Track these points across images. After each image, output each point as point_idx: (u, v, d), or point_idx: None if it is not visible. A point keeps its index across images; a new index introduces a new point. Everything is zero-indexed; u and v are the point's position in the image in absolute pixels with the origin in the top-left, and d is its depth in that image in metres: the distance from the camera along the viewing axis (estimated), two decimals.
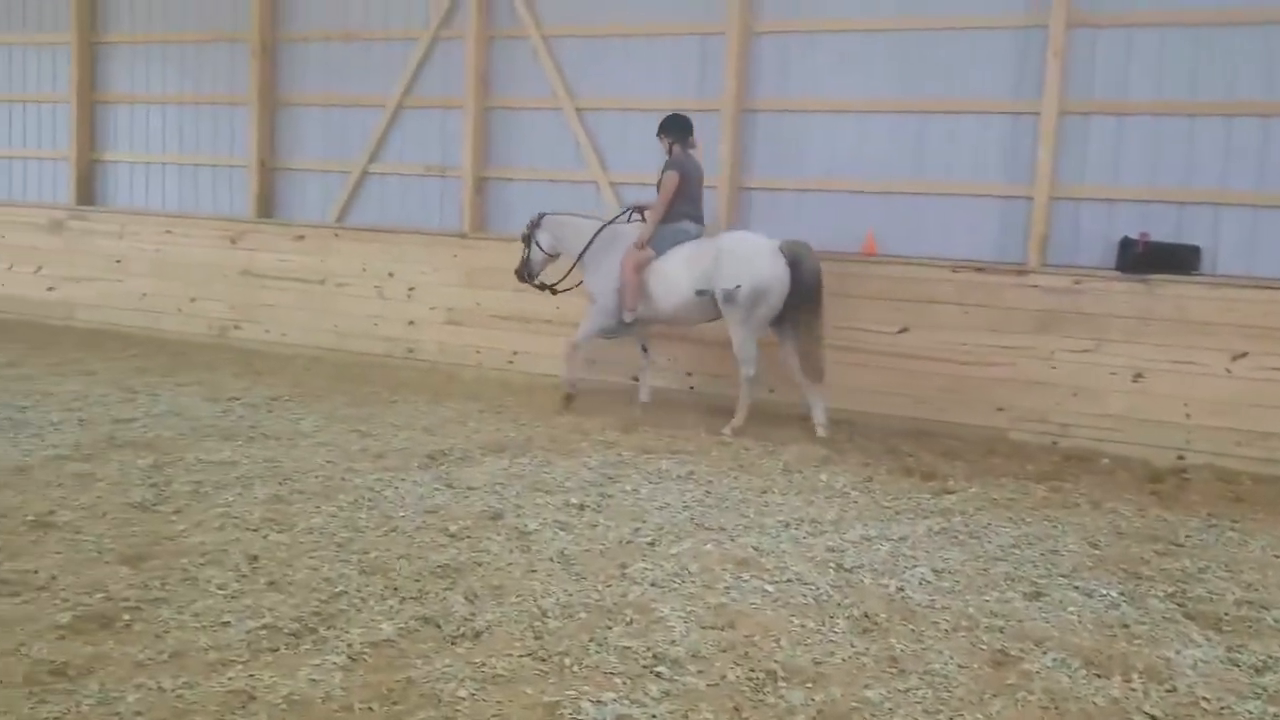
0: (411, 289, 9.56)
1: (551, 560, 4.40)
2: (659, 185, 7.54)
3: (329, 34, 10.19)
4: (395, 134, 10.02)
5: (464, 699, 3.15)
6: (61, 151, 11.50)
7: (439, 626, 3.67)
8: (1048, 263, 7.48)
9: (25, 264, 11.21)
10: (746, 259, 7.10)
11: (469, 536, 4.70)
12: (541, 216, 8.06)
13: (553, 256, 8.03)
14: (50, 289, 11.12)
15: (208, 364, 9.06)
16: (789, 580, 4.27)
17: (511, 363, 9.08)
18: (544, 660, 3.43)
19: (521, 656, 3.44)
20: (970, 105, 7.82)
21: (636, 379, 8.06)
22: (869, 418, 7.53)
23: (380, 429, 6.86)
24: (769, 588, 4.18)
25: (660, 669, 3.40)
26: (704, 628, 3.75)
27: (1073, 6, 7.38)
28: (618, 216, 7.94)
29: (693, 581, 4.21)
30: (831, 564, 4.50)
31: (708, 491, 5.60)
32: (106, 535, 4.47)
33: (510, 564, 4.34)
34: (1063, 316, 7.20)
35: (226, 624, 3.59)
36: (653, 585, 4.15)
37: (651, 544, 4.67)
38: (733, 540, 4.78)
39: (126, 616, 3.61)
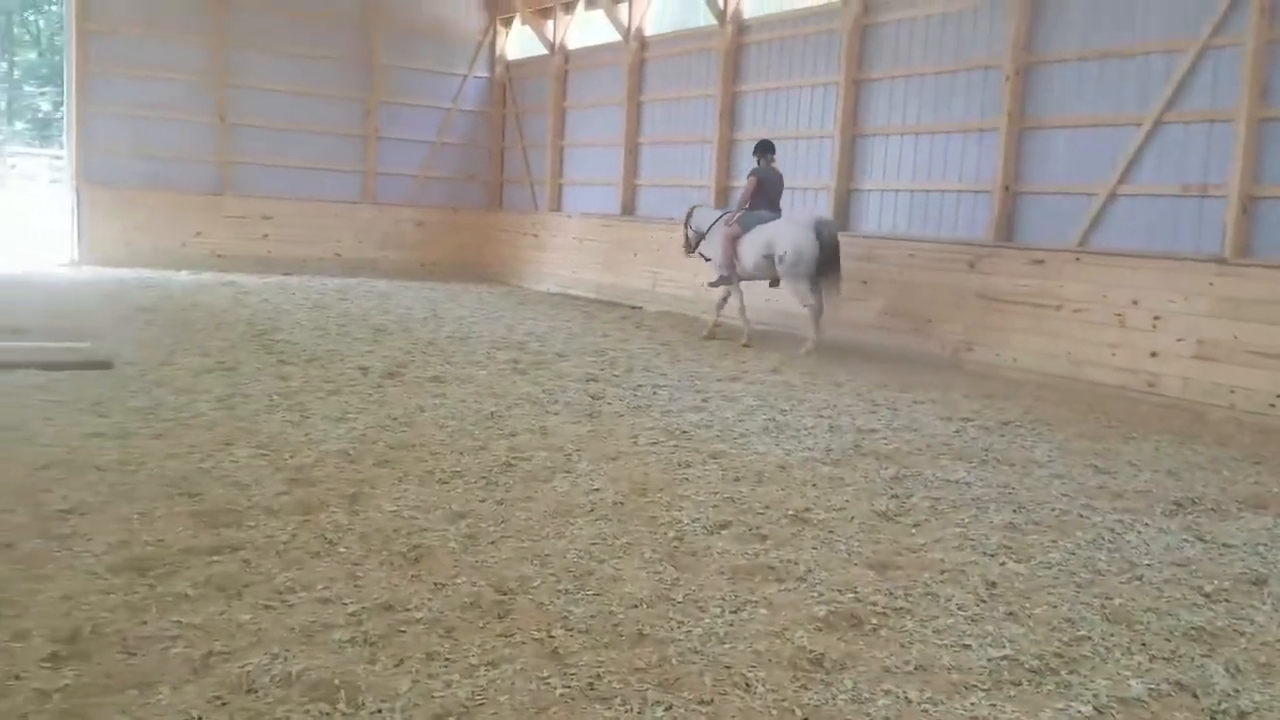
0: (1157, 318, 8.91)
1: None
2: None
3: (1084, 53, 9.90)
4: (1149, 152, 9.41)
5: None
6: (824, 181, 12.71)
7: (1195, 696, 3.32)
8: None
9: None
10: (788, 234, 10.50)
11: (1227, 600, 4.21)
12: (693, 209, 12.15)
13: (702, 235, 11.75)
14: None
15: (941, 383, 9.34)
16: None
17: (1274, 406, 8.01)
18: None
19: None
20: None
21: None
22: None
23: (1117, 466, 6.47)
24: None
25: None
26: None
27: None
28: (731, 211, 11.49)
29: None
30: None
31: None
32: (855, 538, 4.79)
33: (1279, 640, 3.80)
34: None
35: (967, 646, 3.62)
36: None
37: None
38: None
39: (874, 620, 3.82)
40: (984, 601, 4.06)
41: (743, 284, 11.42)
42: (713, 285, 11.60)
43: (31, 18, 44.56)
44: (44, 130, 43.03)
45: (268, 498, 4.93)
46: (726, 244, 11.16)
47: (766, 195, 11.25)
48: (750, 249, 10.90)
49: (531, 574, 4.11)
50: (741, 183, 13.95)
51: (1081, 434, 7.41)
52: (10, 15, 43.23)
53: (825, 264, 10.35)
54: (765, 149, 11.38)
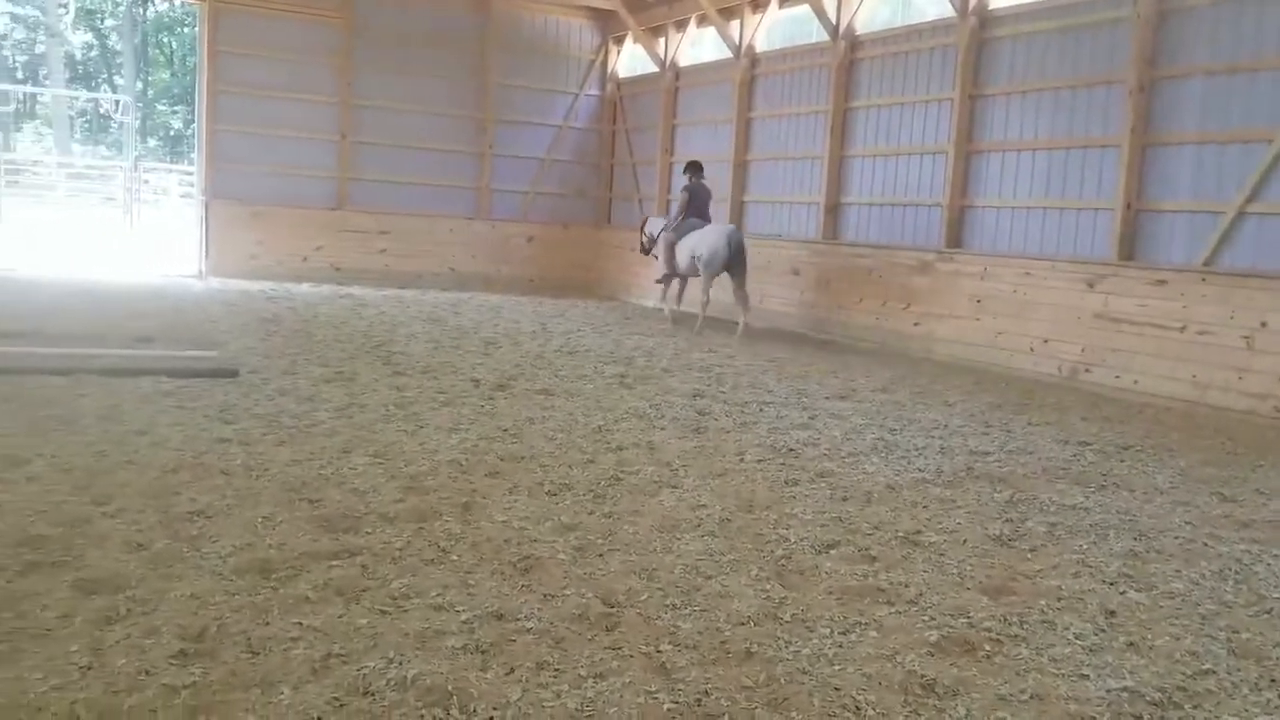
0: None
1: None
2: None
3: (1211, 68, 9.57)
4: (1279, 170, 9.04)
5: None
6: (936, 199, 12.51)
7: None
8: None
9: (897, 300, 12.43)
10: (706, 239, 12.92)
11: None
12: (646, 218, 15.24)
13: (654, 239, 14.35)
14: (916, 324, 12.18)
15: (1057, 405, 9.11)
16: None
17: None
18: None
19: None
20: None
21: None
22: None
23: (1245, 494, 6.21)
24: None
25: None
26: None
27: None
28: (670, 221, 14.09)
29: None
30: None
31: None
32: (967, 562, 4.70)
33: None
34: None
35: (1085, 677, 3.52)
36: None
37: None
38: None
39: (988, 647, 3.74)
40: (1103, 631, 3.94)
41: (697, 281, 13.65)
42: (658, 282, 14.42)
43: (165, 39, 46.69)
44: (175, 147, 45.02)
45: (384, 505, 5.07)
46: (666, 249, 13.83)
47: (696, 207, 13.71)
48: (683, 252, 13.41)
49: (639, 588, 4.14)
50: (852, 199, 13.90)
51: (1206, 460, 7.13)
52: (146, 37, 45.37)
53: (734, 264, 12.69)
54: (695, 168, 13.97)
